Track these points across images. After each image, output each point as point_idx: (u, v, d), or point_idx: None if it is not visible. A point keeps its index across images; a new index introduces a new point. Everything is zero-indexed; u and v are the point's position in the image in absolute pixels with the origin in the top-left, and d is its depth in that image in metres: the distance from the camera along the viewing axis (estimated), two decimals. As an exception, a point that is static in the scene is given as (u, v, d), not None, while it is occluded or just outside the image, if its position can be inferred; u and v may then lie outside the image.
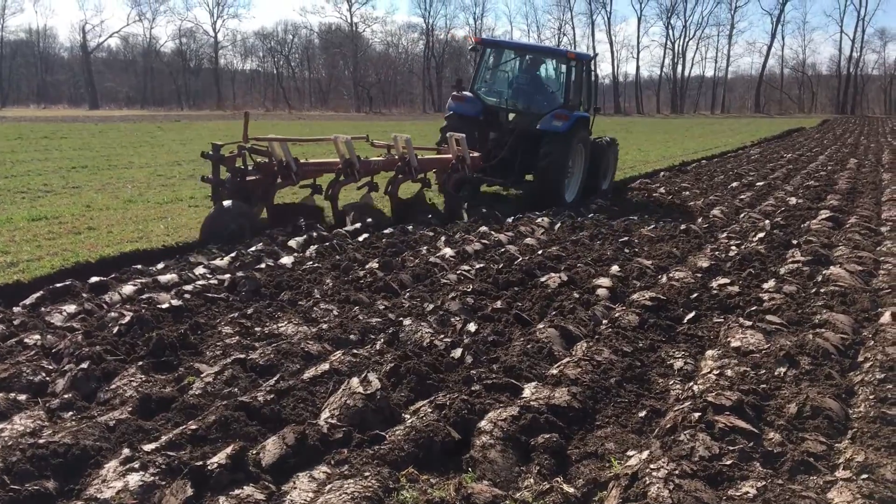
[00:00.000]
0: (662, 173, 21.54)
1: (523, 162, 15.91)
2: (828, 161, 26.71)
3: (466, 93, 16.50)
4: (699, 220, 13.18)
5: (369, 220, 11.95)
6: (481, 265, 9.15)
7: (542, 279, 8.37)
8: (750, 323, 6.57)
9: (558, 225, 12.34)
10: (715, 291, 8.05)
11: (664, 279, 8.61)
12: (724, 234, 11.59)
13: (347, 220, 12.09)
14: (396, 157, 13.29)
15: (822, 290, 7.91)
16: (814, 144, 37.70)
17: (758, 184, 18.84)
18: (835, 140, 41.62)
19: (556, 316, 6.96)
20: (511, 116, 16.38)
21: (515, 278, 8.57)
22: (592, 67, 16.81)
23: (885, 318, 6.89)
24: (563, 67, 16.40)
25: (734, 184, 18.95)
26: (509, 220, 12.58)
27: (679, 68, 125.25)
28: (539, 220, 12.52)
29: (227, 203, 10.84)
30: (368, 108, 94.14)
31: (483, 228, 11.34)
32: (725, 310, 7.40)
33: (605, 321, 6.92)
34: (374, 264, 8.97)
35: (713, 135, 48.34)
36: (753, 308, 7.21)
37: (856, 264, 9.10)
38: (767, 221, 12.56)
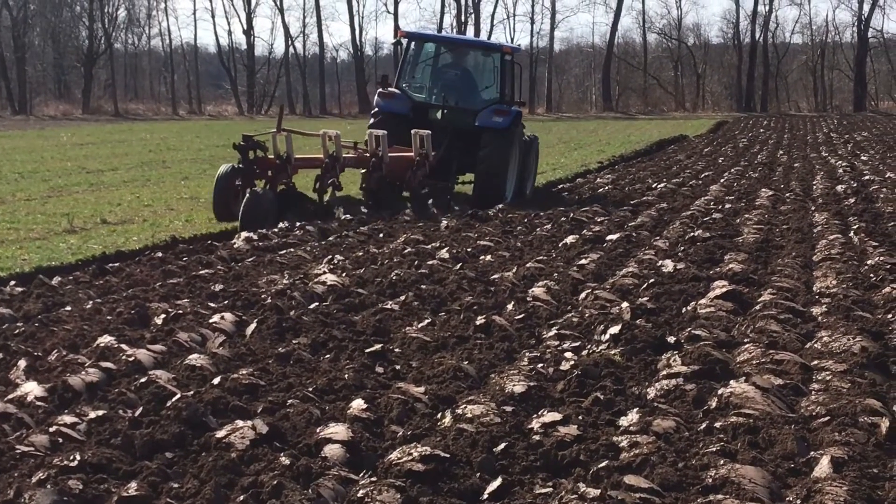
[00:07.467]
0: (444, 222, 14.71)
1: (461, 161, 17.32)
2: (725, 194, 19.15)
3: (393, 89, 17.76)
4: (509, 306, 8.89)
5: (363, 209, 14.51)
6: (101, 412, 5.65)
7: (221, 434, 5.42)
8: (597, 492, 4.82)
9: (252, 326, 8.18)
10: (537, 438, 5.71)
11: (447, 420, 5.84)
12: (553, 332, 7.69)
13: (336, 212, 14.09)
14: (368, 154, 15.23)
15: (717, 425, 5.84)
16: (703, 165, 27.41)
17: (609, 237, 13.12)
18: (736, 157, 30.65)
19: (245, 505, 4.60)
20: (440, 114, 17.58)
21: (169, 434, 5.41)
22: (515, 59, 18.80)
23: (822, 467, 5.12)
24: (496, 62, 18.14)
25: (569, 238, 12.88)
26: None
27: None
28: (215, 318, 7.96)
29: (259, 189, 13.54)
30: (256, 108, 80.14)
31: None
32: (555, 470, 5.34)
33: (338, 508, 4.70)
34: None
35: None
36: (603, 464, 5.26)
37: (772, 375, 6.41)
38: (626, 305, 8.25)
